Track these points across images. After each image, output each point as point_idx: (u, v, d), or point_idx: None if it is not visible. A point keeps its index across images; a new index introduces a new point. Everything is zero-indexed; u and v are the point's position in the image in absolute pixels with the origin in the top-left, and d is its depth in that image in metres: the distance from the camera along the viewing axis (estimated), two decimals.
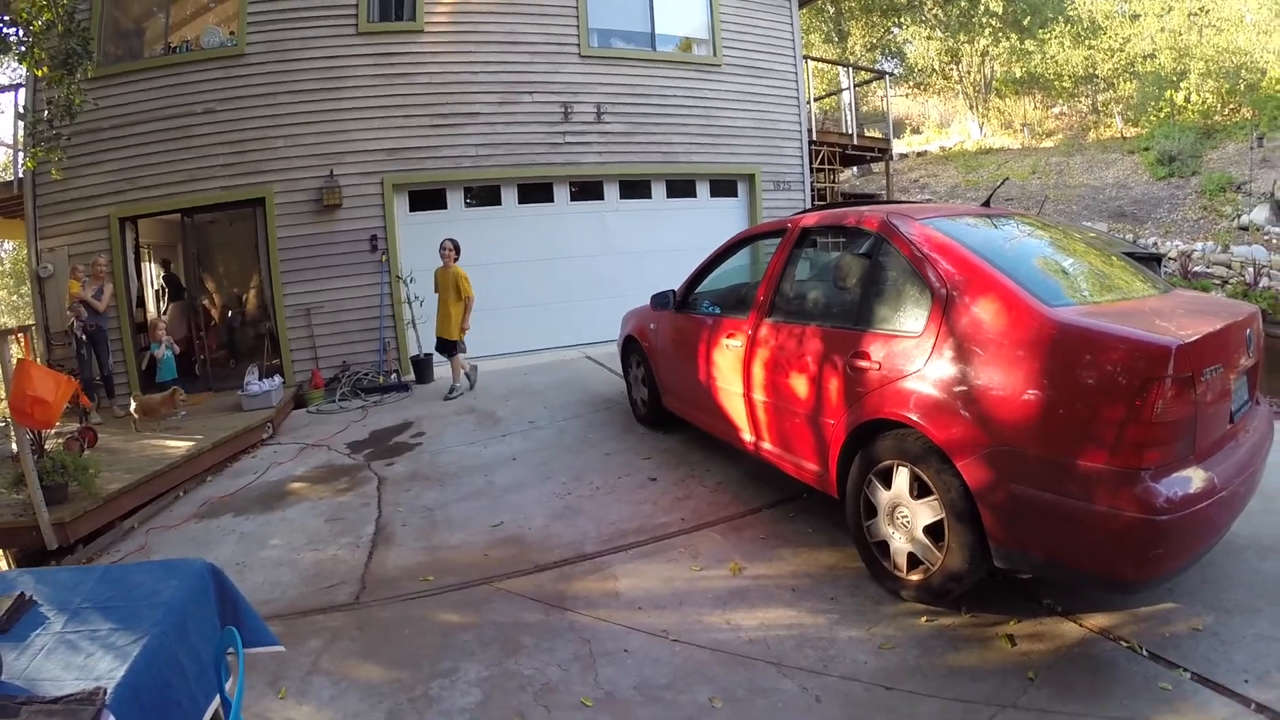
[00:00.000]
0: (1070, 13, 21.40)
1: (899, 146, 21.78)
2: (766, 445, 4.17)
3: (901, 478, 3.12)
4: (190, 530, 4.97)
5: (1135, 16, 20.19)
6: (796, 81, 11.63)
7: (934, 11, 23.23)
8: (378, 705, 2.84)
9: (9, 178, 10.80)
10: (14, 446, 5.02)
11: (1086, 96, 22.54)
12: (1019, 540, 2.72)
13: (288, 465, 6.13)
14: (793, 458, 3.92)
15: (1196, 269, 12.91)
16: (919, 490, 3.04)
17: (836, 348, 3.51)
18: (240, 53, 8.74)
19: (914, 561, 3.12)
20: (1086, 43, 20.80)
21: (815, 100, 16.37)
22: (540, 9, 9.81)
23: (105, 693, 1.51)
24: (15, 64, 6.99)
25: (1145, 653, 2.71)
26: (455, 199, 9.80)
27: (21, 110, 7.98)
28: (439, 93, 9.35)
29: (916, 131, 25.88)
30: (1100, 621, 2.93)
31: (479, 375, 8.19)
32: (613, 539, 4.15)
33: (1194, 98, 17.54)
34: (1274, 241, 13.02)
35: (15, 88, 9.15)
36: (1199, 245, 13.41)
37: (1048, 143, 21.37)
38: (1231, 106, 17.84)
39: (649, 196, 10.87)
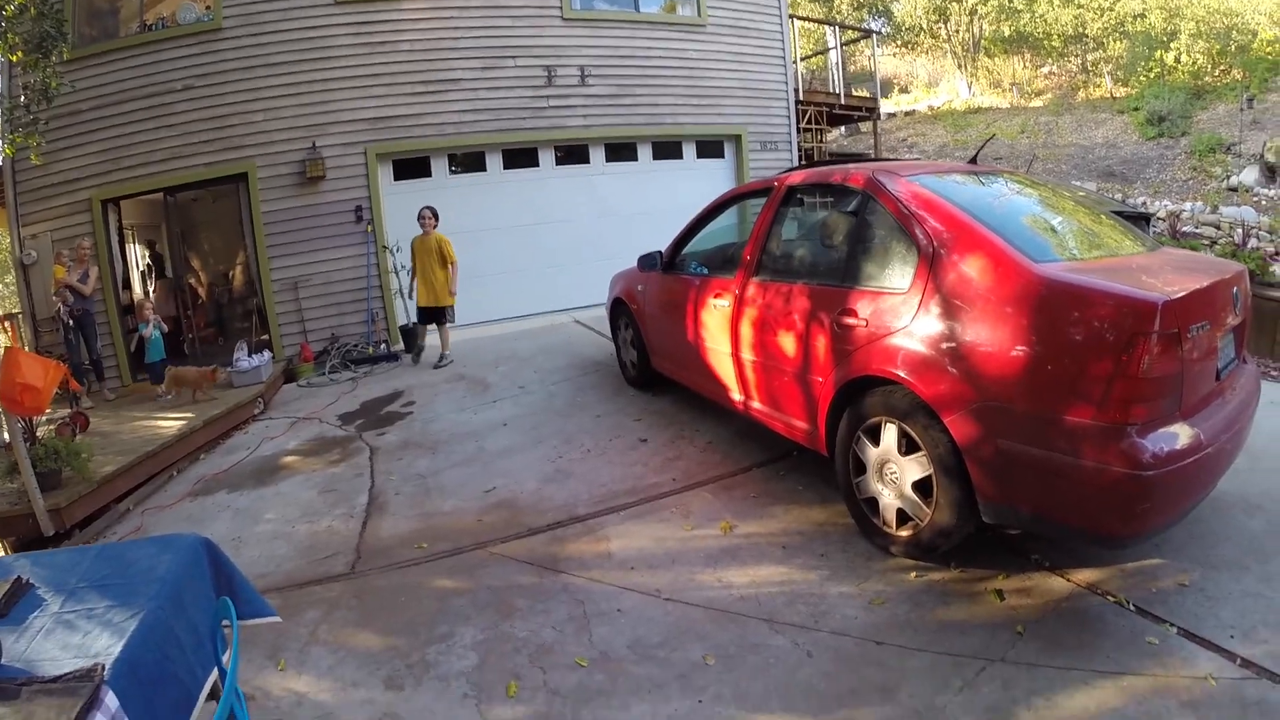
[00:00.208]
0: None
1: (887, 106, 21.58)
2: (756, 404, 4.19)
3: (890, 434, 3.13)
4: (185, 509, 4.97)
5: None
6: (783, 40, 11.50)
7: None
8: (375, 672, 2.87)
9: None
10: (5, 435, 5.01)
11: (1076, 56, 22.38)
12: (1007, 495, 2.75)
13: (280, 439, 6.12)
14: (782, 416, 3.94)
15: (1185, 229, 12.90)
16: (907, 446, 3.06)
17: (823, 305, 3.51)
18: (217, 27, 8.58)
19: (903, 518, 3.15)
20: (1076, 1, 20.58)
21: (802, 60, 16.22)
22: None
23: (103, 669, 1.52)
24: None
25: (1132, 608, 2.74)
26: (440, 167, 9.71)
27: None
28: (421, 60, 9.21)
29: (905, 91, 25.68)
30: (1088, 576, 2.97)
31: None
32: (604, 500, 4.17)
33: (1184, 58, 17.44)
34: (1263, 203, 13.02)
35: None
36: (1188, 205, 13.39)
37: (1037, 102, 21.23)
38: (1222, 68, 17.75)
39: (635, 159, 10.79)
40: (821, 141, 13.62)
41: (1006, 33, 22.51)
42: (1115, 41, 20.31)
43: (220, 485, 5.27)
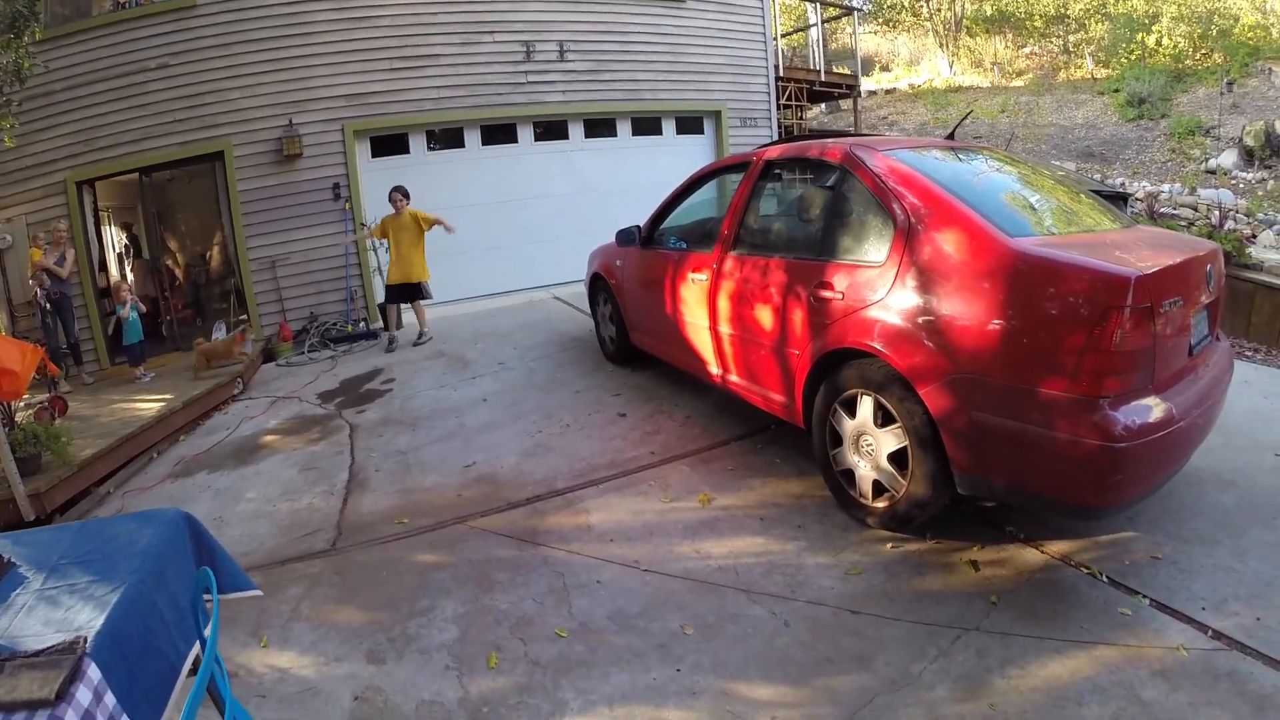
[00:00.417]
0: None
1: (868, 84, 21.57)
2: (734, 378, 4.21)
3: (866, 406, 3.16)
4: (166, 490, 4.94)
5: None
6: (763, 17, 11.45)
7: None
8: (358, 647, 2.88)
9: None
10: None
11: (1058, 37, 22.42)
12: (981, 467, 2.78)
13: (259, 419, 6.08)
14: (760, 389, 3.96)
15: (1163, 210, 13.01)
16: (883, 418, 3.09)
17: (800, 279, 3.52)
18: (192, 4, 8.40)
19: (879, 489, 3.19)
20: None
21: (783, 36, 16.13)
22: None
23: (86, 641, 1.52)
24: None
25: (1106, 579, 2.79)
26: (418, 143, 9.61)
27: None
28: (398, 36, 9.08)
29: (886, 69, 25.61)
30: (1062, 548, 3.02)
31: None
32: (584, 474, 4.19)
33: (1165, 41, 17.55)
34: (1241, 186, 13.17)
35: None
36: (1166, 187, 13.52)
37: (1018, 82, 21.28)
38: (1203, 51, 17.86)
39: (615, 135, 10.72)
40: (801, 118, 13.60)
41: (989, 12, 22.54)
42: (1097, 23, 20.40)
43: (200, 466, 5.24)
